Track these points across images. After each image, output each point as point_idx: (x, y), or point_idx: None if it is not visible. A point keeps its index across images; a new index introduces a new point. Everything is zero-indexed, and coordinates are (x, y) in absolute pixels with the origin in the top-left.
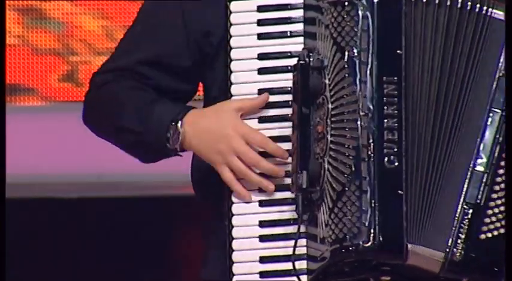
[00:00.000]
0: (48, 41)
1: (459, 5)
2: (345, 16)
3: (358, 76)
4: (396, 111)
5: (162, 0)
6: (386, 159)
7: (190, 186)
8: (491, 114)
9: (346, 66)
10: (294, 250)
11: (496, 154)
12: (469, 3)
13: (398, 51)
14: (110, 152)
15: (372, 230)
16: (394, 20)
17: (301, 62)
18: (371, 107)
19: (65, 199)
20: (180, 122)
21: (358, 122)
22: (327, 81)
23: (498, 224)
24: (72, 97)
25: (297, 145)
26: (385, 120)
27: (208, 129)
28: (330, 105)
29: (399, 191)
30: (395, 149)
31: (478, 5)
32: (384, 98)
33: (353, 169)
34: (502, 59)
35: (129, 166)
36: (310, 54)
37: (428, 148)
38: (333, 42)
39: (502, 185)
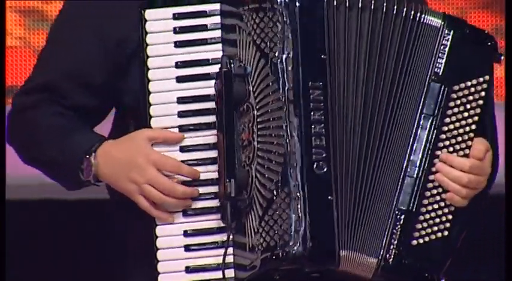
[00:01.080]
0: None
1: (384, 9)
2: (267, 22)
3: (283, 82)
4: (323, 117)
5: (73, 14)
6: (315, 165)
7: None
8: (422, 120)
9: (270, 72)
10: (224, 259)
11: (427, 160)
12: (395, 7)
13: (322, 56)
14: None
15: (303, 237)
16: (317, 24)
17: (224, 69)
18: (298, 113)
19: (64, 200)
20: (93, 154)
21: (285, 129)
22: (251, 88)
23: (429, 230)
24: None
25: (223, 154)
26: (312, 126)
27: (120, 160)
28: (255, 112)
29: (329, 197)
30: (324, 155)
31: (404, 10)
32: (311, 104)
33: (282, 175)
34: (432, 65)
35: None
36: (231, 61)
37: (357, 153)
38: (256, 48)
39: (434, 191)
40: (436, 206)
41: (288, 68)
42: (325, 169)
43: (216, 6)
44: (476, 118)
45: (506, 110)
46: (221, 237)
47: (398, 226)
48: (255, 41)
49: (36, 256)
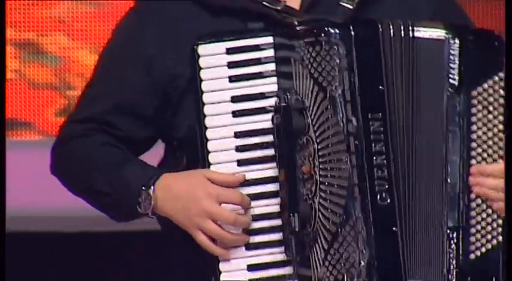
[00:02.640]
0: (45, 76)
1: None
2: (324, 56)
3: (343, 115)
4: (384, 148)
5: (124, 46)
6: (378, 196)
7: None
8: (450, 133)
9: (329, 106)
10: None
11: (465, 173)
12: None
13: (380, 87)
14: None
15: (370, 270)
16: (374, 56)
17: (283, 103)
18: (359, 145)
19: (65, 233)
20: (152, 187)
21: (347, 161)
22: (309, 121)
23: (484, 241)
24: None
25: (285, 188)
26: (374, 158)
27: (179, 193)
28: (316, 146)
29: (394, 228)
30: (387, 186)
31: (419, 31)
32: (371, 136)
33: (346, 208)
34: (446, 77)
35: None
36: (288, 94)
37: (412, 178)
38: (313, 81)
39: (479, 201)
40: (484, 215)
41: (346, 100)
42: (388, 200)
43: (269, 40)
44: (501, 117)
45: (506, 110)
46: (286, 270)
47: (453, 245)
48: (312, 74)
49: None
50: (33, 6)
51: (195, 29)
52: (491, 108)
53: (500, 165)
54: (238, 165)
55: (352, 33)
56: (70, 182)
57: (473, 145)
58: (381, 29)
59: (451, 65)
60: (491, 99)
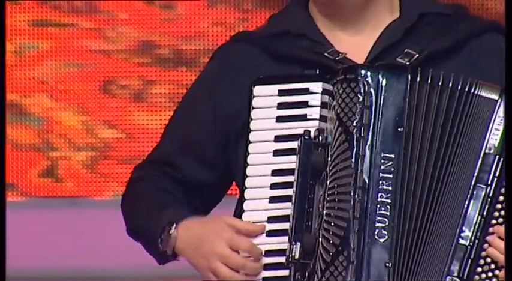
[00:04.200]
0: (28, 137)
1: (459, 87)
2: (349, 92)
3: (357, 150)
4: (390, 187)
5: (194, 91)
6: (376, 232)
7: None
8: (476, 190)
9: (346, 140)
10: None
11: (481, 228)
12: (467, 85)
13: (399, 129)
14: (91, 246)
15: None
16: (398, 99)
17: (305, 137)
18: (367, 181)
19: None
20: (174, 224)
21: (352, 195)
22: (329, 158)
23: None
24: (52, 192)
25: (292, 216)
26: (379, 194)
27: (197, 235)
28: (328, 181)
29: (387, 264)
30: (387, 223)
31: (472, 87)
32: (380, 173)
33: (343, 239)
34: (488, 136)
35: (108, 260)
36: (320, 134)
37: (419, 222)
38: (336, 117)
39: (488, 259)
40: (489, 274)
41: (363, 137)
42: (386, 237)
43: (318, 85)
44: None
45: (506, 110)
46: None
47: None
48: (336, 111)
49: None
50: (15, 68)
51: (261, 74)
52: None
53: None
54: (269, 202)
55: (380, 74)
56: (125, 220)
57: (498, 206)
58: (409, 75)
59: (496, 127)
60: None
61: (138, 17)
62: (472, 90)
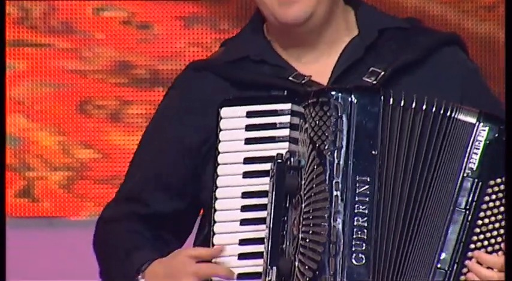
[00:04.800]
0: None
1: (433, 109)
2: (322, 115)
3: (331, 174)
4: (367, 211)
5: (158, 122)
6: (354, 256)
7: None
8: (455, 214)
9: (320, 164)
10: None
11: (459, 253)
12: (442, 108)
13: (373, 152)
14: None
15: None
16: (371, 122)
17: (278, 160)
18: (342, 204)
19: None
20: (141, 273)
21: (328, 219)
22: (302, 181)
23: None
24: (28, 213)
25: (268, 241)
26: (355, 218)
27: (161, 276)
28: (302, 205)
29: None
30: (363, 247)
31: (448, 110)
32: (356, 197)
33: (320, 264)
34: (466, 160)
35: (85, 279)
36: (291, 157)
37: (396, 246)
38: (309, 140)
39: None
40: None
41: (337, 161)
42: (363, 261)
43: (287, 106)
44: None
45: (507, 110)
46: None
47: None
48: (309, 134)
49: None
50: None
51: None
52: (504, 201)
53: (501, 259)
54: (240, 224)
55: (353, 97)
56: (97, 261)
57: (476, 230)
58: (382, 97)
59: (474, 151)
60: (507, 192)
61: (114, 37)
62: (448, 113)
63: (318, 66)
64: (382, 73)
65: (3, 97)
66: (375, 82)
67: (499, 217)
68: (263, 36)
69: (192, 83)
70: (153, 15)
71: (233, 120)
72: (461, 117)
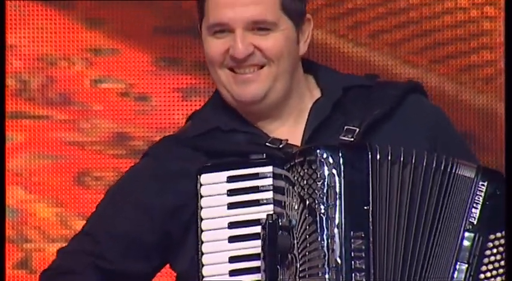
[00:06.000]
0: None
1: (424, 164)
2: (311, 174)
3: (326, 231)
4: (364, 266)
5: (128, 183)
6: None
7: None
8: (457, 267)
9: (312, 222)
10: None
11: None
12: (434, 162)
13: (365, 207)
14: None
15: None
16: (361, 177)
17: (269, 221)
18: (339, 261)
19: None
20: None
21: (324, 276)
22: (295, 240)
23: None
24: None
25: None
26: (353, 274)
27: None
28: (298, 264)
29: None
30: None
31: (443, 164)
32: (352, 253)
33: None
34: (466, 214)
35: None
36: (279, 217)
37: None
38: (300, 200)
39: None
40: None
41: (330, 218)
42: None
43: (269, 169)
44: None
45: (507, 110)
46: None
47: None
48: (299, 193)
49: None
50: None
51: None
52: (506, 254)
53: None
54: None
55: (340, 154)
56: None
57: None
58: (370, 153)
59: (474, 205)
60: (507, 246)
61: (112, 109)
62: (449, 169)
63: (285, 131)
64: (357, 130)
65: (3, 170)
66: (352, 139)
67: (501, 271)
68: (228, 106)
69: (165, 152)
70: (150, 87)
71: (214, 186)
72: (461, 172)
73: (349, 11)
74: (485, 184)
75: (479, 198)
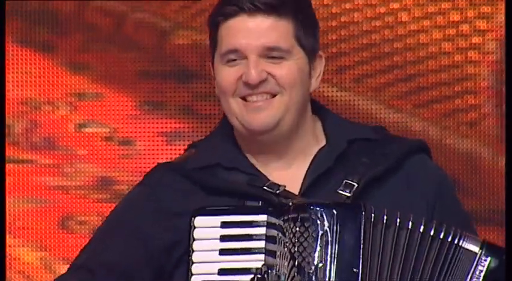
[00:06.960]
0: None
1: (421, 230)
2: (303, 231)
3: None
4: None
5: (125, 213)
6: None
7: None
8: None
9: (301, 280)
10: None
11: None
12: (432, 230)
13: (354, 269)
14: None
15: None
16: (353, 238)
17: (258, 275)
18: None
19: None
20: None
21: None
22: None
23: None
24: None
25: None
26: None
27: None
28: None
29: None
30: None
31: (442, 234)
32: None
33: None
34: None
35: None
36: (269, 270)
37: None
38: (290, 256)
39: None
40: None
41: (318, 278)
42: None
43: (263, 218)
44: None
45: (507, 110)
46: None
47: None
48: (290, 250)
49: None
50: None
51: (192, 206)
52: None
53: None
54: None
55: (334, 212)
56: None
57: None
58: (364, 213)
59: (475, 279)
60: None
61: (96, 153)
62: (456, 241)
63: (286, 174)
64: (356, 185)
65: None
66: (349, 195)
67: None
68: (233, 142)
69: (161, 182)
70: (135, 131)
71: (207, 230)
72: (465, 245)
73: (333, 55)
74: (488, 259)
75: (480, 273)
